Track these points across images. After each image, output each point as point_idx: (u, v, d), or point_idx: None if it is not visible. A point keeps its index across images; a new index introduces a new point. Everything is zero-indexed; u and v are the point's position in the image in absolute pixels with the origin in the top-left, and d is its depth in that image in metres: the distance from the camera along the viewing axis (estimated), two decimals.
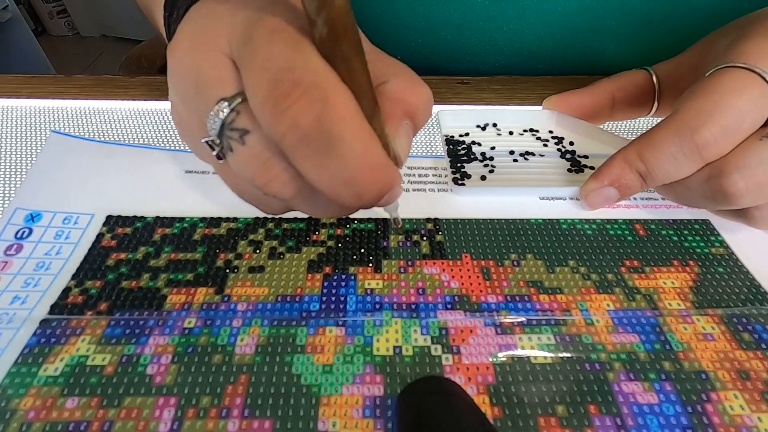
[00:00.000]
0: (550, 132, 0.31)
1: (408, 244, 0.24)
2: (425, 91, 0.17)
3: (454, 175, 0.27)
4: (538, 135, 0.30)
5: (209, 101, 0.16)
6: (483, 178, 0.27)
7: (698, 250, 0.24)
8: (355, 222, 0.25)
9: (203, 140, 0.16)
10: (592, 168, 0.28)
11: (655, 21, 0.35)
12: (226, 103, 0.15)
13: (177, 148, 0.29)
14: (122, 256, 0.23)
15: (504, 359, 0.19)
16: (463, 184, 0.27)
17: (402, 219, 0.25)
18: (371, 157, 0.14)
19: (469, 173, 0.27)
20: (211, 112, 0.15)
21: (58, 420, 0.17)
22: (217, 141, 0.16)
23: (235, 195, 0.18)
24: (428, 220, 0.25)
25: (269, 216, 0.25)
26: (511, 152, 0.29)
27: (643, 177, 0.23)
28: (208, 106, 0.16)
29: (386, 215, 0.25)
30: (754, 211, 0.22)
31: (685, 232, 0.25)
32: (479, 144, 0.29)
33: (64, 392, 0.18)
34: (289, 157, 0.15)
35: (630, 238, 0.24)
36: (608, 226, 0.25)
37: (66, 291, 0.21)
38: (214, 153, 0.16)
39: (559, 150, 0.29)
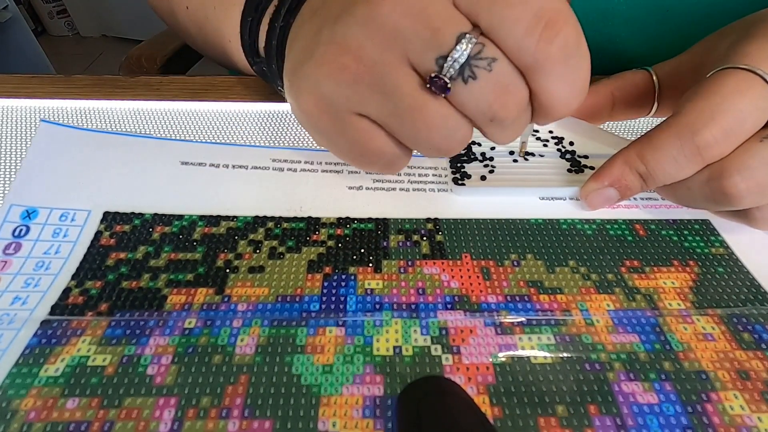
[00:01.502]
0: (550, 132, 0.31)
1: (408, 244, 0.24)
2: None
3: (454, 175, 0.27)
4: (538, 135, 0.30)
5: (445, 38, 0.17)
6: (483, 178, 0.27)
7: (698, 250, 0.24)
8: (356, 222, 0.25)
9: (432, 76, 0.18)
10: (592, 168, 0.28)
11: (665, 6, 0.35)
12: (469, 36, 0.17)
13: (170, 137, 0.29)
14: (122, 255, 0.23)
15: (504, 359, 0.19)
16: (463, 184, 0.27)
17: (403, 218, 0.25)
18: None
19: (469, 173, 0.27)
20: (456, 49, 0.17)
21: (59, 420, 0.17)
22: (449, 74, 0.18)
23: (422, 137, 0.20)
24: (428, 220, 0.25)
25: (268, 215, 0.25)
26: (511, 152, 0.29)
27: (643, 178, 0.23)
28: (446, 43, 0.17)
29: (385, 215, 0.25)
30: (755, 211, 0.22)
31: (685, 232, 0.25)
32: (479, 144, 0.29)
33: (64, 393, 0.18)
34: (541, 76, 0.18)
35: (630, 238, 0.24)
36: (608, 226, 0.25)
37: (66, 291, 0.21)
38: (444, 84, 0.18)
39: (559, 150, 0.29)
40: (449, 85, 0.18)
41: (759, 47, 0.21)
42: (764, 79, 0.20)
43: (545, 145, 0.30)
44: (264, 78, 0.30)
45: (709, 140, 0.20)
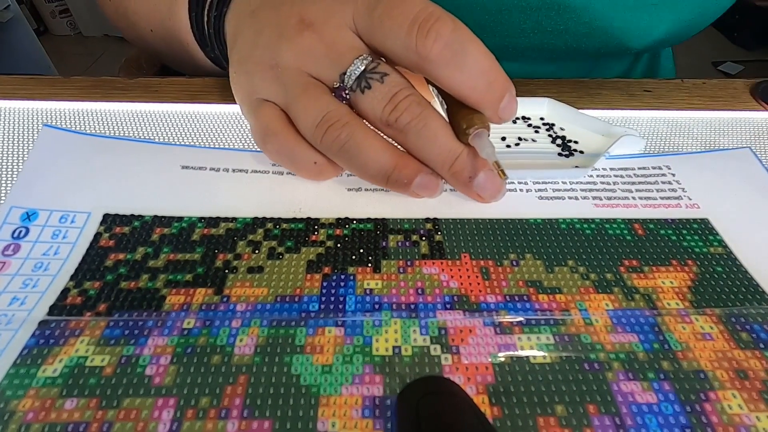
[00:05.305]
0: (542, 119, 0.32)
1: (407, 244, 0.24)
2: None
3: None
4: (530, 122, 0.32)
5: (347, 60, 0.22)
6: None
7: (697, 250, 0.24)
8: (354, 222, 0.25)
9: (336, 85, 0.23)
10: (582, 152, 0.29)
11: None
12: (365, 56, 0.22)
13: (169, 139, 0.29)
14: (121, 256, 0.23)
15: (503, 359, 0.19)
16: None
17: (402, 219, 0.25)
18: (493, 58, 0.22)
19: None
20: (352, 65, 0.22)
21: (57, 421, 0.17)
22: (348, 86, 0.23)
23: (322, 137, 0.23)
24: (427, 220, 0.25)
25: (268, 216, 0.25)
26: (503, 138, 0.30)
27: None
28: (346, 63, 0.22)
29: (384, 215, 0.25)
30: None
31: (684, 231, 0.25)
32: None
33: (63, 393, 0.18)
34: (433, 67, 0.21)
35: (629, 237, 0.24)
36: (607, 226, 0.25)
37: (65, 292, 0.21)
38: (345, 94, 0.23)
39: (550, 136, 0.31)
40: (347, 94, 0.23)
41: None
42: None
43: (537, 131, 0.31)
44: (218, 65, 0.32)
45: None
